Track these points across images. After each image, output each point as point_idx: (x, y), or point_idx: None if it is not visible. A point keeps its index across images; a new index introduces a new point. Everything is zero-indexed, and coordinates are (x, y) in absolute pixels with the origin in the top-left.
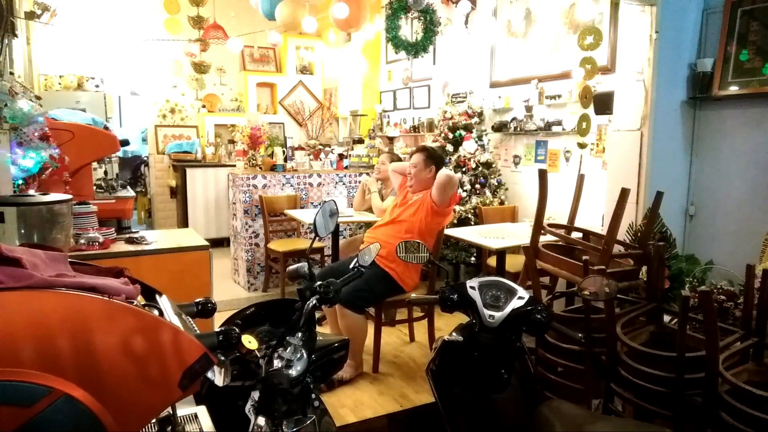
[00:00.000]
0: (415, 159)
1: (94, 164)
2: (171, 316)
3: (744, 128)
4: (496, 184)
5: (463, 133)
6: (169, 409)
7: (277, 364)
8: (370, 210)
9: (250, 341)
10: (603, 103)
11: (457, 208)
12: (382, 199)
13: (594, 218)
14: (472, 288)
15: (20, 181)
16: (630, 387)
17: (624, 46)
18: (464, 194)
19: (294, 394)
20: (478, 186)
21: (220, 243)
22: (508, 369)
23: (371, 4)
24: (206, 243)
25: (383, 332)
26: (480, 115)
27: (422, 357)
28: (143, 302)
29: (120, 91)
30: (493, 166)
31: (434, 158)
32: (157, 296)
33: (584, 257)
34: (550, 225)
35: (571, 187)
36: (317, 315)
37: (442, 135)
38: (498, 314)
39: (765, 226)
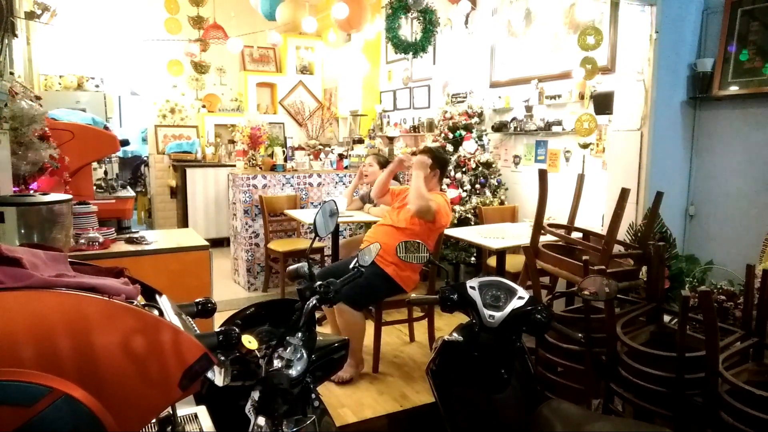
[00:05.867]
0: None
1: (94, 164)
2: (171, 316)
3: (744, 128)
4: (496, 184)
5: (463, 133)
6: (169, 409)
7: (277, 364)
8: (360, 209)
9: (250, 341)
10: (603, 103)
11: (457, 208)
12: (374, 202)
13: (594, 218)
14: (472, 288)
15: (20, 181)
16: (630, 387)
17: (624, 46)
18: (464, 194)
19: (294, 394)
20: (478, 186)
21: (220, 243)
22: (508, 369)
23: (371, 4)
24: (206, 243)
25: (383, 332)
26: (480, 115)
27: (422, 357)
28: (143, 302)
29: (120, 91)
30: (493, 166)
31: (437, 160)
32: (157, 296)
33: (584, 257)
34: (550, 225)
35: (571, 187)
36: (317, 315)
37: (442, 135)
38: (498, 314)
39: (765, 226)
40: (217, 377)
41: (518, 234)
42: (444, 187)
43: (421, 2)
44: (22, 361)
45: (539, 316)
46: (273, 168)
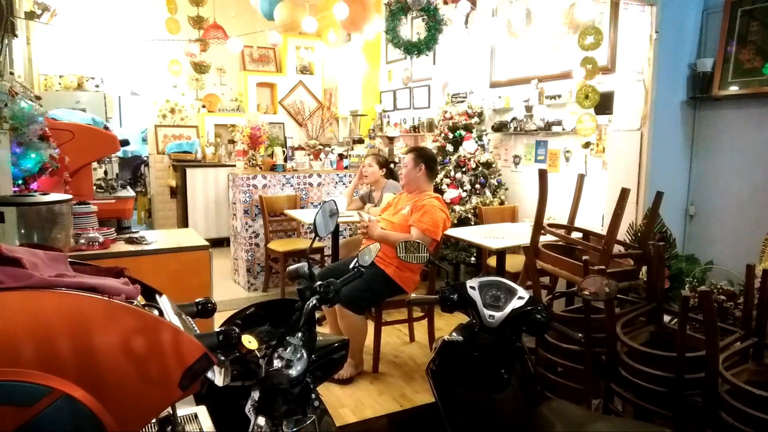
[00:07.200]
0: (405, 159)
1: (94, 164)
2: (171, 316)
3: (744, 128)
4: (496, 184)
5: (463, 133)
6: (169, 409)
7: (277, 364)
8: (360, 209)
9: (250, 341)
10: (603, 103)
11: (457, 208)
12: (374, 201)
13: (594, 218)
14: (472, 288)
15: (20, 181)
16: (630, 387)
17: (624, 46)
18: (464, 194)
19: (294, 394)
20: (478, 186)
21: (220, 243)
22: (508, 369)
23: (373, 3)
24: (206, 243)
25: (383, 332)
26: (480, 115)
27: (422, 357)
28: (143, 302)
29: (120, 91)
30: (493, 166)
31: (423, 158)
32: (157, 296)
33: (584, 257)
34: (550, 225)
35: (571, 187)
36: (317, 315)
37: (442, 135)
38: (498, 314)
39: (765, 226)
40: (217, 377)
41: (518, 234)
42: (444, 187)
43: (420, 2)
44: (22, 361)
45: (539, 316)
46: (273, 168)
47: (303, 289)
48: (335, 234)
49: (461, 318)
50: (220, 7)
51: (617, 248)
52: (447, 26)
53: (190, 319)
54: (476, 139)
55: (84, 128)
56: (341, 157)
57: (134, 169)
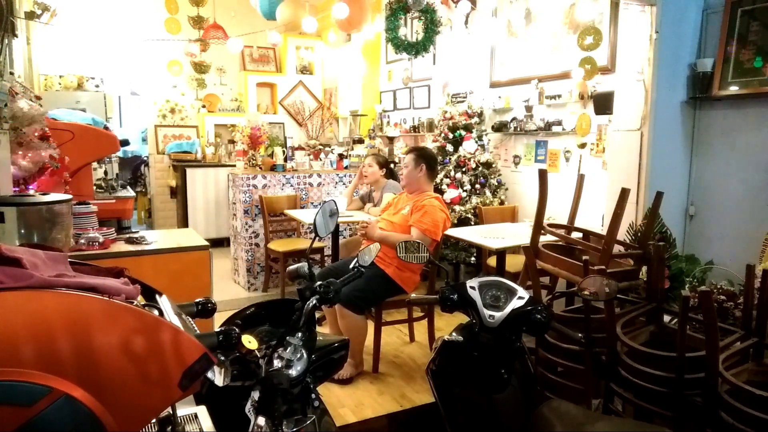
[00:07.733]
0: (406, 160)
1: (94, 164)
2: (171, 316)
3: (744, 128)
4: (496, 184)
5: (463, 133)
6: (169, 409)
7: (277, 364)
8: (360, 209)
9: (250, 341)
10: (603, 103)
11: (457, 208)
12: (374, 201)
13: (594, 218)
14: (472, 288)
15: (20, 181)
16: (630, 387)
17: (624, 46)
18: (464, 194)
19: (294, 394)
20: (478, 186)
21: (220, 243)
22: (508, 369)
23: (371, 3)
24: (206, 243)
25: (383, 332)
26: (480, 115)
27: (422, 357)
28: (143, 302)
29: (120, 91)
30: (493, 166)
31: (423, 157)
32: (157, 296)
33: (584, 257)
34: (550, 225)
35: (571, 187)
36: (317, 315)
37: (442, 135)
38: (498, 314)
39: (765, 226)
40: (217, 377)
41: (518, 234)
42: (444, 187)
43: (421, 2)
44: (22, 361)
45: (539, 316)
46: (273, 168)
47: (303, 289)
48: (335, 234)
49: (461, 318)
50: (220, 7)
51: (617, 248)
52: (446, 27)
53: (190, 319)
54: (476, 139)
55: (84, 128)
56: (341, 157)
57: (134, 169)
